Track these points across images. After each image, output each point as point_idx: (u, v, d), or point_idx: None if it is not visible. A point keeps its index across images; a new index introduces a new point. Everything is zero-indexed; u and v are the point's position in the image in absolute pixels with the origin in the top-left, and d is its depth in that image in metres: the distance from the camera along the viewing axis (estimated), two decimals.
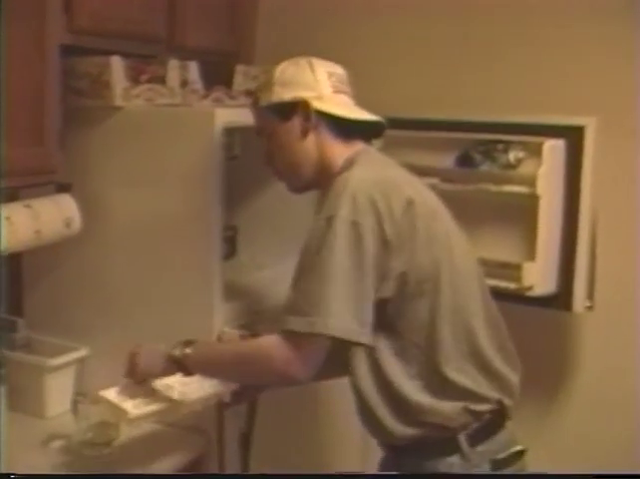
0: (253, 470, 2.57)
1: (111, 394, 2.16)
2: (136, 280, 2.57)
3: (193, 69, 2.73)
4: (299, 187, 2.23)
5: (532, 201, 2.76)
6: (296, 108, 2.11)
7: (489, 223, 2.87)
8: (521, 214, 2.81)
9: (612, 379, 3.02)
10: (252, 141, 2.25)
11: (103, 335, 2.62)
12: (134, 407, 2.10)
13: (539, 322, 3.00)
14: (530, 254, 2.79)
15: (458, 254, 2.10)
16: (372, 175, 2.02)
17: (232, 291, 2.55)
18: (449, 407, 2.02)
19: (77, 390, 2.56)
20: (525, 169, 2.84)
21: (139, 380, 2.16)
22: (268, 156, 2.21)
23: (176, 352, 2.08)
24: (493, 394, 2.08)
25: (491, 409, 2.07)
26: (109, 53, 2.49)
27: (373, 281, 1.94)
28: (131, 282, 2.57)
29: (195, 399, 2.16)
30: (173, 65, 2.66)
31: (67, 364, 2.60)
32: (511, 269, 2.78)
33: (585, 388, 3.10)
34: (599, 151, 2.75)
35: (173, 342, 2.11)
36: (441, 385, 2.03)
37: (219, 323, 2.46)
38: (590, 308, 2.87)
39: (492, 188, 2.84)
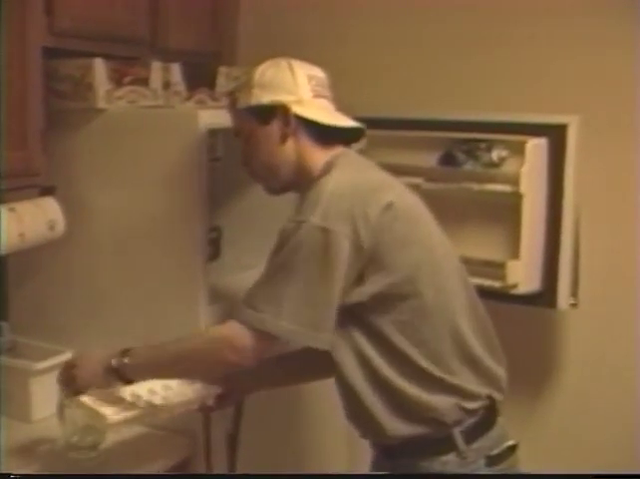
0: (240, 472, 2.56)
1: (90, 399, 2.12)
2: (120, 283, 2.56)
3: (176, 71, 2.73)
4: (276, 189, 2.23)
5: (516, 199, 2.77)
6: (275, 112, 2.10)
7: (473, 221, 2.88)
8: (505, 212, 2.81)
9: (597, 376, 3.04)
10: (235, 142, 2.24)
11: (88, 338, 2.61)
12: (113, 413, 2.07)
13: (524, 320, 3.01)
14: (514, 253, 2.80)
15: (439, 255, 2.10)
16: (349, 179, 2.03)
17: (217, 293, 2.55)
18: (441, 402, 2.02)
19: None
20: (508, 167, 2.84)
21: (75, 393, 2.13)
22: (245, 157, 2.20)
23: (114, 363, 2.07)
24: (483, 390, 2.08)
25: (483, 405, 2.07)
26: (91, 55, 2.49)
27: (340, 288, 1.94)
28: (115, 285, 2.56)
29: (177, 404, 2.14)
30: (156, 67, 2.66)
31: (52, 368, 2.57)
32: (496, 268, 2.78)
33: (570, 385, 3.12)
34: (582, 149, 2.76)
35: (112, 351, 2.10)
36: (430, 383, 2.03)
37: (205, 325, 2.46)
38: (574, 306, 2.88)
39: (476, 186, 2.84)
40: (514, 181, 2.76)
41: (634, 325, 2.95)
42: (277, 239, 1.99)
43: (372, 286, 1.98)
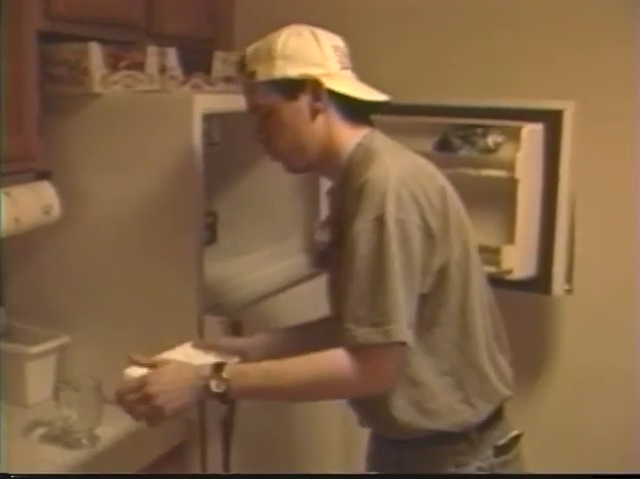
0: (235, 456, 2.57)
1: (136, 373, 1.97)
2: (116, 267, 2.56)
3: (172, 55, 2.72)
4: (300, 168, 2.09)
5: (511, 185, 2.77)
6: (304, 86, 1.95)
7: (469, 207, 2.83)
8: (500, 198, 2.82)
9: (591, 362, 3.05)
10: (232, 127, 2.24)
11: (84, 322, 2.61)
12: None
13: (518, 306, 3.01)
14: (510, 238, 2.81)
15: (474, 242, 2.05)
16: (406, 167, 1.92)
17: (213, 278, 2.55)
18: (468, 414, 1.99)
19: (58, 377, 2.56)
20: (504, 153, 2.85)
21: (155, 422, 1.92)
22: (265, 135, 2.03)
23: (215, 387, 1.86)
24: (505, 391, 2.07)
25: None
26: (87, 39, 2.48)
27: (418, 280, 1.86)
28: (111, 269, 2.56)
29: None
30: (152, 51, 2.66)
31: (48, 352, 2.59)
32: (491, 253, 2.78)
33: (564, 372, 3.13)
34: (578, 135, 2.77)
35: (196, 372, 1.91)
36: (473, 379, 2.00)
37: (201, 310, 2.46)
38: (569, 292, 2.89)
39: (471, 172, 2.85)
40: (510, 166, 2.77)
41: (629, 312, 2.97)
42: (354, 244, 1.83)
43: (434, 276, 1.90)
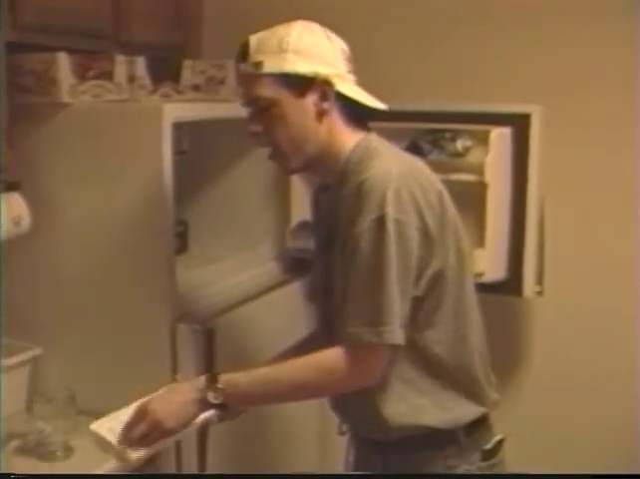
0: (211, 454, 2.56)
1: (102, 428, 1.94)
2: (87, 279, 2.55)
3: (141, 64, 2.72)
4: (296, 167, 2.04)
5: (481, 188, 2.79)
6: (313, 84, 1.90)
7: None
8: (470, 201, 2.82)
9: (562, 363, 3.08)
10: (200, 135, 2.23)
11: (56, 334, 2.60)
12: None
13: (490, 309, 3.02)
14: (480, 241, 2.82)
15: (467, 248, 2.04)
16: (406, 167, 1.90)
17: (185, 286, 2.55)
18: (459, 410, 1.99)
19: (32, 389, 2.54)
20: (473, 157, 2.87)
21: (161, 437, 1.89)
22: (262, 127, 1.95)
23: (212, 398, 1.87)
24: (494, 395, 2.08)
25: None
26: (54, 49, 2.47)
27: (412, 281, 1.86)
28: (83, 280, 2.55)
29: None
30: (121, 60, 2.65)
31: (20, 364, 2.57)
32: None
33: (536, 373, 3.15)
34: (546, 138, 2.79)
35: (191, 385, 1.91)
36: (463, 382, 1.99)
37: (173, 319, 2.46)
38: (540, 294, 2.91)
39: (441, 176, 2.82)
40: (479, 170, 2.79)
41: (599, 313, 2.99)
42: (356, 244, 1.82)
43: (427, 279, 1.89)
